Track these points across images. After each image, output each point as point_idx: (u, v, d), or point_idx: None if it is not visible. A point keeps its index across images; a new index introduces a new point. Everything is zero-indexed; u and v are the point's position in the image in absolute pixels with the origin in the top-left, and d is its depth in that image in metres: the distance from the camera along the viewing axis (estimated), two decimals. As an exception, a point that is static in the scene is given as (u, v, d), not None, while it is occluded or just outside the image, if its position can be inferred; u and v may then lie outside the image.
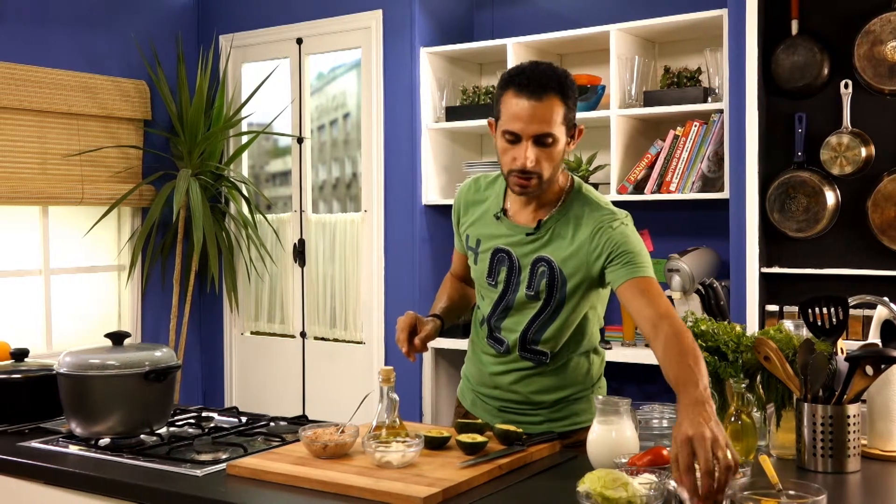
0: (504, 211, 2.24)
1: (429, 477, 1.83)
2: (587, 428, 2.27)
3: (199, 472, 1.96)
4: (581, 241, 2.13)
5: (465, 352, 2.47)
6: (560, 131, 2.08)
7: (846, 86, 3.37)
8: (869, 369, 1.91)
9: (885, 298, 2.30)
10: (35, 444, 2.25)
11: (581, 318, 2.22)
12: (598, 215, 2.14)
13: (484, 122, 4.21)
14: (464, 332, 3.97)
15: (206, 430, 2.33)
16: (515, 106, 2.06)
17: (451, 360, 4.36)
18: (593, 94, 3.99)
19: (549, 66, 2.11)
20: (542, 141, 2.07)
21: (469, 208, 2.32)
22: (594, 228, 2.12)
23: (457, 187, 4.36)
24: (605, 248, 2.09)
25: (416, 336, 2.23)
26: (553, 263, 2.15)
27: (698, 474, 1.56)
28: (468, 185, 2.36)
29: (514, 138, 2.07)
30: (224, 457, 2.08)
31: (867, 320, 3.15)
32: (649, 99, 3.85)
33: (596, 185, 4.01)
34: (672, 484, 1.62)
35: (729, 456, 1.57)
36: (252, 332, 4.98)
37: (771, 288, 3.53)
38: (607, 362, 4.26)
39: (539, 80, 2.06)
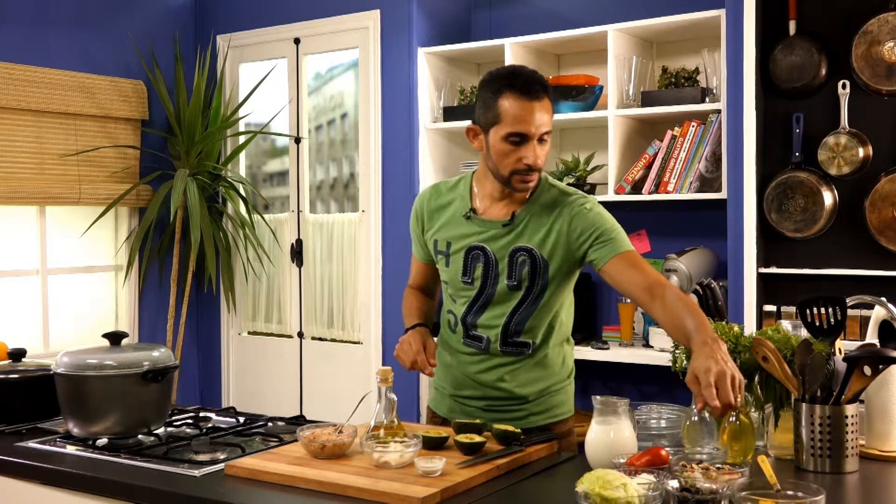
0: (473, 210, 2.29)
1: (427, 477, 1.83)
2: (564, 420, 2.32)
3: (196, 473, 1.96)
4: (559, 226, 2.20)
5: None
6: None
7: (844, 86, 3.38)
8: (867, 369, 1.92)
9: (883, 298, 2.31)
10: (32, 444, 2.25)
11: (559, 305, 2.28)
12: (571, 201, 2.23)
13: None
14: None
15: (204, 431, 2.33)
16: (519, 108, 2.13)
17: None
18: (591, 95, 3.98)
19: (530, 69, 2.21)
20: (543, 138, 2.17)
21: (433, 214, 2.37)
22: (571, 213, 2.21)
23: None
24: (586, 229, 2.19)
25: (428, 353, 2.29)
26: (533, 251, 2.22)
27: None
28: (428, 192, 2.41)
29: (520, 139, 2.15)
30: (222, 457, 2.08)
31: (865, 320, 3.15)
32: (647, 99, 3.84)
33: (593, 186, 4.02)
34: (670, 483, 1.62)
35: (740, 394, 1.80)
36: (249, 333, 4.98)
37: (769, 288, 3.53)
38: (605, 363, 4.27)
39: (535, 82, 2.16)
